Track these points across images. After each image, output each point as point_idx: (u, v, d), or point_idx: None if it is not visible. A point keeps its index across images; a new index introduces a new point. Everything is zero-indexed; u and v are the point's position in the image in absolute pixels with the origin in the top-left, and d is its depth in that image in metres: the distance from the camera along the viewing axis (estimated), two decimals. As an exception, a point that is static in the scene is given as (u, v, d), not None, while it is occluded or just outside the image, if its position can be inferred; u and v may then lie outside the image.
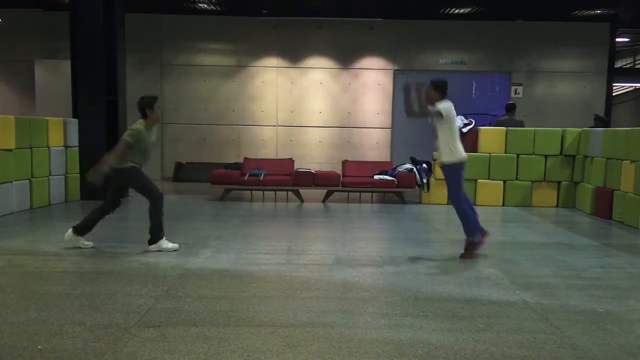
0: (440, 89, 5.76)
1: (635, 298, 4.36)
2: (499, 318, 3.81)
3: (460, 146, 5.75)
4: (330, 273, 4.95)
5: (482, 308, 4.01)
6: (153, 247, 5.66)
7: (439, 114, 5.60)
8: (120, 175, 5.62)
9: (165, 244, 5.68)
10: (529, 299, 4.23)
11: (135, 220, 7.94)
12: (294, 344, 3.29)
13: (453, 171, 5.71)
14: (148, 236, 5.68)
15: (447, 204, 9.75)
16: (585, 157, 9.32)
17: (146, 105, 5.62)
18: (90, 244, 5.77)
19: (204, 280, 4.62)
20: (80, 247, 5.68)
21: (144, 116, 5.65)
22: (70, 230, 5.71)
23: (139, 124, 5.63)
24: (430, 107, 5.67)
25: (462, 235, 6.98)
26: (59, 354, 3.08)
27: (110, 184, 5.72)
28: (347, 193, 10.36)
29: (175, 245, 5.72)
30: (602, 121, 11.17)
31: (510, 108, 10.59)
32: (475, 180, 9.76)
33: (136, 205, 9.19)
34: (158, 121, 5.79)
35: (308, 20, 13.36)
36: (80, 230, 5.71)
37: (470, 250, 5.67)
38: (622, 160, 8.04)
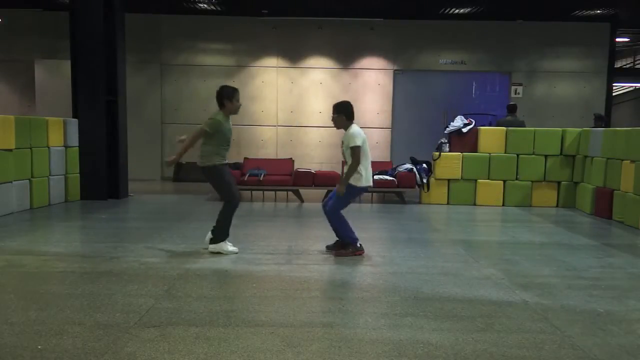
0: (345, 112, 5.57)
1: (635, 298, 4.36)
2: (499, 318, 3.81)
3: (370, 171, 5.66)
4: (330, 273, 4.95)
5: (482, 308, 4.01)
6: (213, 247, 5.56)
7: (356, 148, 5.41)
8: (204, 174, 5.55)
9: (226, 246, 5.58)
10: (529, 299, 4.23)
11: (135, 220, 7.94)
12: (294, 344, 3.29)
13: (351, 194, 5.60)
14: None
15: (447, 203, 9.78)
16: (585, 157, 9.31)
17: (225, 96, 5.51)
18: (236, 249, 5.63)
19: (204, 280, 4.62)
20: (226, 254, 5.53)
21: (222, 106, 5.54)
22: (209, 241, 5.60)
23: (217, 114, 5.50)
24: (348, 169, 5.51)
25: (462, 235, 7.01)
26: (59, 354, 3.08)
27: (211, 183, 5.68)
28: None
29: (235, 249, 5.61)
30: (602, 120, 11.18)
31: (513, 109, 10.64)
32: (475, 180, 9.76)
33: (136, 205, 9.20)
34: (235, 113, 5.64)
35: (308, 20, 13.37)
36: (218, 237, 5.58)
37: (346, 251, 5.61)
38: (622, 160, 8.04)
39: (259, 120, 13.72)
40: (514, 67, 13.72)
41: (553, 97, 13.77)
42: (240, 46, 13.63)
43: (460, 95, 13.55)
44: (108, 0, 9.40)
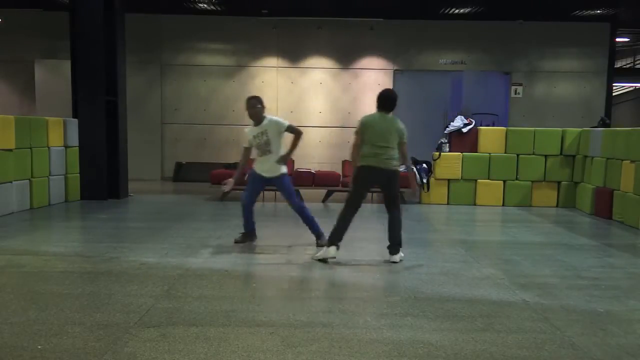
0: (261, 102, 6.18)
1: (635, 298, 4.36)
2: (499, 318, 3.81)
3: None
4: (330, 273, 4.95)
5: (482, 308, 4.01)
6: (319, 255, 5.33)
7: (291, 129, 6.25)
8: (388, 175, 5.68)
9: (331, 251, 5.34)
10: (529, 299, 4.23)
11: (135, 220, 7.93)
12: (294, 344, 3.29)
13: (289, 179, 6.13)
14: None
15: (447, 203, 9.78)
16: (585, 157, 9.31)
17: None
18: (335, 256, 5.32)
19: (204, 280, 4.61)
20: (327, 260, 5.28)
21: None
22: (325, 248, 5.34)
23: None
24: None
25: (462, 235, 7.01)
26: (59, 354, 3.08)
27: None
28: (347, 193, 10.33)
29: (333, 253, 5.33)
30: (604, 124, 11.19)
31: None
32: (475, 181, 9.76)
33: (136, 205, 9.20)
34: None
35: (308, 20, 13.36)
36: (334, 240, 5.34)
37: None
38: (622, 160, 8.04)
39: (259, 120, 13.70)
40: (514, 67, 13.71)
41: (553, 97, 13.76)
42: (240, 46, 13.63)
43: (460, 95, 13.54)
44: (108, 0, 9.40)
